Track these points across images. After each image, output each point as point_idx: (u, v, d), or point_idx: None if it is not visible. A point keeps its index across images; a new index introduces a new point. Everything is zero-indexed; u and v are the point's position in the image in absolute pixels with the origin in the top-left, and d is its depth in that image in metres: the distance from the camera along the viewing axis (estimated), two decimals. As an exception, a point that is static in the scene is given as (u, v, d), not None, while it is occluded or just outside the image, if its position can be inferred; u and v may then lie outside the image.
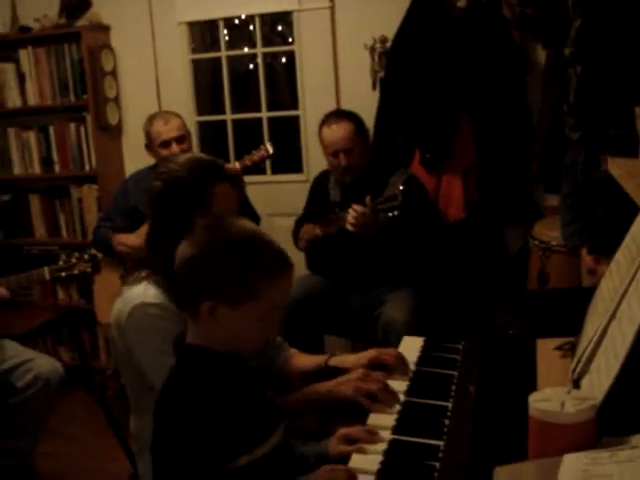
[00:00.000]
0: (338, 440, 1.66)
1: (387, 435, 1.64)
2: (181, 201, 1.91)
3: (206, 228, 1.54)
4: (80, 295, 4.52)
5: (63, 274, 3.19)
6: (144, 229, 2.26)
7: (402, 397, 1.83)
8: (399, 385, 1.89)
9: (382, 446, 1.59)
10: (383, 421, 1.71)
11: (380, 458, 1.54)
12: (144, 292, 1.89)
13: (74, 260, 3.19)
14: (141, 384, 1.88)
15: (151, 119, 3.55)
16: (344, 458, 1.60)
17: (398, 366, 1.98)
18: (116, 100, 4.39)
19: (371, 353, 2.03)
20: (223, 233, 1.52)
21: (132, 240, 3.41)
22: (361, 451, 1.59)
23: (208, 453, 1.41)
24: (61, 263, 3.20)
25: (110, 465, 3.18)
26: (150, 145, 3.55)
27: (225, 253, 1.47)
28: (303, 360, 2.15)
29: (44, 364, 3.07)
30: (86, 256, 3.21)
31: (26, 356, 3.09)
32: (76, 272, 3.18)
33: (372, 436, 1.63)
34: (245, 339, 1.51)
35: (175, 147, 3.44)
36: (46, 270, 3.18)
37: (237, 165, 3.40)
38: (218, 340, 1.50)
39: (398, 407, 1.78)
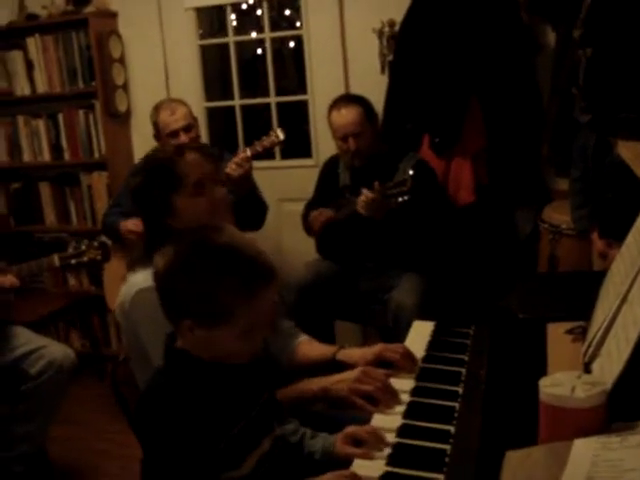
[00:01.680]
0: (345, 439, 1.61)
1: (398, 420, 1.64)
2: (153, 182, 1.92)
3: (180, 241, 1.49)
4: (91, 282, 4.54)
5: (73, 261, 3.20)
6: None
7: (412, 382, 1.81)
8: (405, 383, 1.84)
9: (386, 450, 1.56)
10: (393, 407, 1.71)
11: (392, 442, 1.55)
12: (146, 277, 1.89)
13: (84, 247, 3.19)
14: (148, 368, 1.89)
15: (157, 109, 3.55)
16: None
17: (404, 363, 1.92)
18: (124, 87, 4.38)
19: (376, 350, 1.98)
20: (195, 251, 1.44)
21: (139, 225, 3.42)
22: (366, 456, 1.53)
23: (193, 461, 1.38)
24: (71, 250, 3.21)
25: (121, 450, 3.21)
26: (158, 135, 3.55)
27: (195, 275, 1.41)
28: (312, 349, 2.13)
29: (57, 351, 3.09)
30: (96, 243, 3.21)
31: (38, 343, 3.11)
32: (86, 259, 3.19)
33: (379, 440, 1.57)
34: (229, 354, 1.46)
35: (183, 136, 3.45)
36: (56, 257, 3.19)
37: (248, 151, 3.38)
38: (203, 352, 1.46)
39: (409, 392, 1.78)
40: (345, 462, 1.55)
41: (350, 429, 1.61)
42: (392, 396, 1.76)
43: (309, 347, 2.15)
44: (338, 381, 1.86)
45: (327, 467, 1.53)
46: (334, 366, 2.00)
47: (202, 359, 1.45)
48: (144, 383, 1.98)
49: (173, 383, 1.45)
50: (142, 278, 1.90)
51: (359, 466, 1.51)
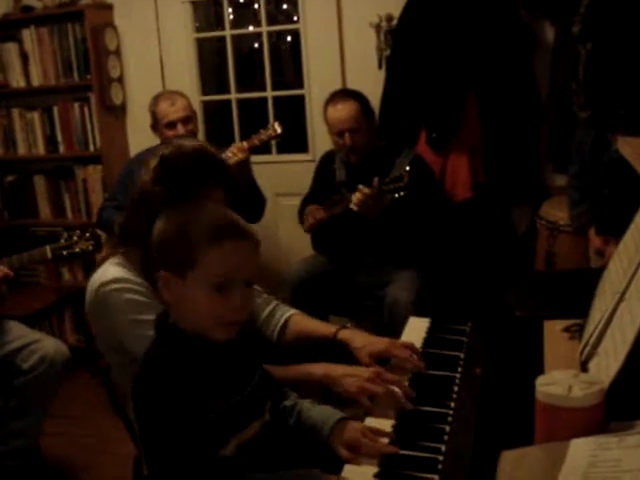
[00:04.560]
0: (343, 445, 1.54)
1: (391, 421, 1.63)
2: (171, 187, 1.81)
3: (172, 207, 1.56)
4: (85, 276, 4.52)
5: (65, 252, 3.18)
6: None
7: (409, 405, 1.72)
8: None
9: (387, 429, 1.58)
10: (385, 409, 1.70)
11: (386, 442, 1.53)
12: (102, 274, 1.89)
13: (75, 238, 3.17)
14: (128, 369, 1.85)
15: (157, 99, 3.53)
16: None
17: (415, 362, 1.86)
18: (120, 80, 4.36)
19: (381, 345, 1.91)
20: (176, 210, 1.53)
21: None
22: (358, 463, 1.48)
23: (189, 438, 1.38)
24: (62, 241, 3.19)
25: (115, 446, 3.19)
26: (156, 125, 3.53)
27: (171, 221, 1.50)
28: (309, 324, 2.08)
29: (50, 345, 3.07)
30: (87, 234, 3.19)
31: (32, 337, 3.09)
32: (77, 250, 3.17)
33: (377, 448, 1.51)
34: (201, 314, 1.45)
35: (181, 128, 3.43)
36: (48, 248, 3.17)
37: (245, 145, 3.37)
38: (183, 318, 1.48)
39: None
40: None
41: (355, 436, 1.54)
42: (397, 401, 1.68)
43: (304, 322, 2.10)
44: (347, 375, 1.79)
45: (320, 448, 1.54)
46: (333, 345, 1.96)
47: (191, 334, 1.47)
48: (124, 385, 1.97)
49: (168, 357, 1.45)
50: (98, 275, 1.90)
51: (350, 471, 1.46)
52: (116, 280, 1.85)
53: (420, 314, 2.30)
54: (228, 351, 1.51)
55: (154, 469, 1.51)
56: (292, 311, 2.14)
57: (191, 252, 1.43)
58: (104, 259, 1.94)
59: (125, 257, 1.90)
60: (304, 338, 2.07)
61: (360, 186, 3.09)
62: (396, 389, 1.71)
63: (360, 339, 1.97)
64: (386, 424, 1.61)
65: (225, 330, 1.47)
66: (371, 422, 1.62)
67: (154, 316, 1.58)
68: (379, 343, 1.93)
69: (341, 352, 1.92)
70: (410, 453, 1.48)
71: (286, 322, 2.11)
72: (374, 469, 1.44)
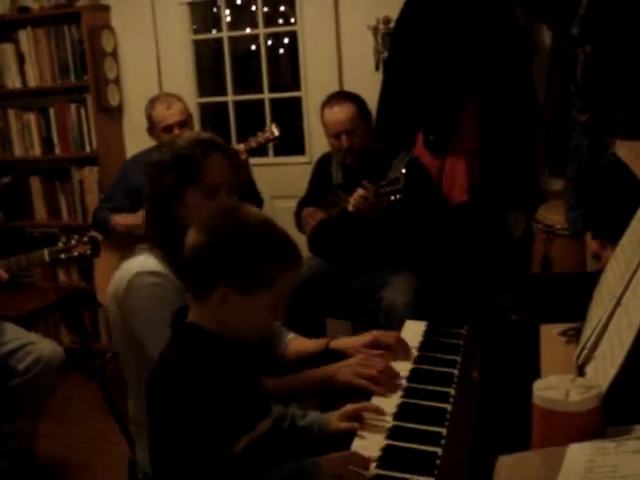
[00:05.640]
0: (342, 417, 1.65)
1: (389, 421, 1.63)
2: (170, 175, 1.90)
3: (220, 215, 1.55)
4: (81, 277, 4.52)
5: (62, 256, 3.18)
6: (143, 211, 2.26)
7: (404, 382, 1.81)
8: (402, 368, 1.88)
9: (384, 432, 1.58)
10: (385, 407, 1.69)
11: (382, 445, 1.53)
12: (143, 262, 1.91)
13: (73, 242, 3.18)
14: (140, 361, 1.87)
15: (153, 102, 3.52)
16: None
17: (398, 348, 1.98)
18: (117, 81, 4.35)
19: (369, 336, 2.03)
20: (239, 220, 1.51)
21: (129, 219, 3.41)
22: (359, 428, 1.59)
23: (205, 435, 1.40)
24: (60, 245, 3.19)
25: (110, 448, 3.18)
26: (152, 129, 3.52)
27: (242, 239, 1.47)
28: (303, 344, 2.13)
29: (45, 347, 3.06)
30: (85, 238, 3.20)
31: (27, 339, 3.08)
32: (75, 254, 3.18)
33: (377, 413, 1.63)
34: (252, 325, 1.52)
35: (177, 132, 3.42)
36: (45, 252, 3.17)
37: (242, 147, 3.37)
38: (223, 324, 1.50)
39: (400, 392, 1.77)
40: (341, 440, 1.57)
41: (348, 406, 1.67)
42: (393, 379, 1.81)
43: (299, 343, 2.14)
44: (341, 367, 1.89)
45: (323, 444, 1.56)
46: (328, 357, 2.00)
47: (216, 334, 1.50)
48: (132, 376, 1.98)
49: (187, 355, 1.48)
50: (138, 263, 1.90)
51: (356, 449, 1.52)
52: (154, 274, 1.87)
53: (417, 317, 2.31)
54: (241, 351, 1.54)
55: (161, 468, 1.51)
56: (289, 336, 2.18)
57: (270, 276, 1.47)
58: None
59: (162, 252, 1.91)
60: (303, 357, 2.11)
61: (358, 189, 3.09)
62: (389, 365, 1.87)
63: (350, 341, 2.07)
64: (390, 402, 1.70)
65: (259, 336, 1.56)
66: (377, 401, 1.73)
67: None
68: (367, 335, 2.05)
69: (337, 360, 1.96)
70: (406, 456, 1.48)
71: (284, 347, 2.15)
72: (379, 446, 1.49)
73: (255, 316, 1.50)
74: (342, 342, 2.07)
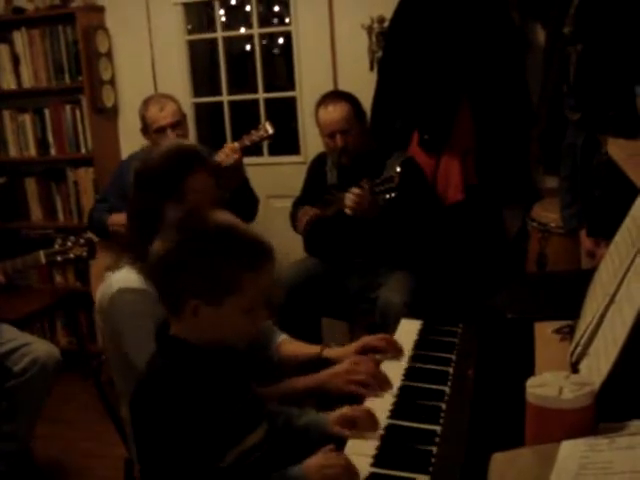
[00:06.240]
0: (339, 420, 1.64)
1: (384, 420, 1.63)
2: (151, 191, 1.91)
3: (179, 224, 1.50)
4: (77, 278, 4.51)
5: (59, 258, 3.19)
6: None
7: (399, 382, 1.81)
8: (396, 367, 1.89)
9: (379, 431, 1.58)
10: (380, 406, 1.70)
11: (377, 443, 1.53)
12: (125, 277, 1.90)
13: (70, 244, 3.18)
14: (128, 370, 1.87)
15: (146, 103, 3.52)
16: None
17: (389, 349, 1.99)
18: (111, 82, 4.35)
19: (359, 343, 2.04)
20: (197, 228, 1.48)
21: (126, 219, 3.41)
22: (357, 436, 1.58)
23: (191, 449, 1.37)
24: (57, 247, 3.20)
25: (106, 449, 3.18)
26: (146, 130, 3.52)
27: (201, 248, 1.43)
28: (296, 348, 2.13)
29: (41, 348, 3.06)
30: (82, 240, 3.20)
31: (23, 340, 3.08)
32: (72, 256, 3.18)
33: (373, 422, 1.61)
34: (230, 334, 1.48)
35: (170, 133, 3.41)
36: (42, 254, 3.17)
37: (236, 145, 3.36)
38: (202, 335, 1.47)
39: (395, 391, 1.77)
40: (337, 441, 1.56)
41: (345, 410, 1.66)
42: (383, 381, 1.81)
43: (292, 346, 2.14)
44: (332, 374, 1.89)
45: (320, 445, 1.54)
46: (320, 364, 2.01)
47: (199, 347, 1.46)
48: (122, 386, 1.97)
49: (170, 369, 1.45)
50: (122, 277, 1.90)
51: (351, 448, 1.53)
52: (136, 291, 1.86)
53: (412, 316, 2.31)
54: (229, 359, 1.51)
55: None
56: (281, 337, 2.18)
57: (235, 281, 1.42)
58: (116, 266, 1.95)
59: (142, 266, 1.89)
60: (292, 362, 2.11)
61: (352, 188, 3.09)
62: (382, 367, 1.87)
63: (342, 350, 2.06)
64: (385, 401, 1.71)
65: (244, 341, 1.52)
66: (371, 401, 1.74)
67: None
68: (357, 342, 2.05)
69: (328, 367, 1.97)
70: (401, 454, 1.48)
71: (275, 348, 2.14)
72: (371, 452, 1.49)
73: (232, 323, 1.46)
74: (334, 352, 2.06)
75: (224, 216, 1.52)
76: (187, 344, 1.47)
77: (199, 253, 1.43)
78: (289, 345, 2.14)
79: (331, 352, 2.06)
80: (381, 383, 1.80)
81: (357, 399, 1.78)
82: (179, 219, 1.53)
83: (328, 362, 2.00)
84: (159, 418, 1.40)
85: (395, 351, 1.98)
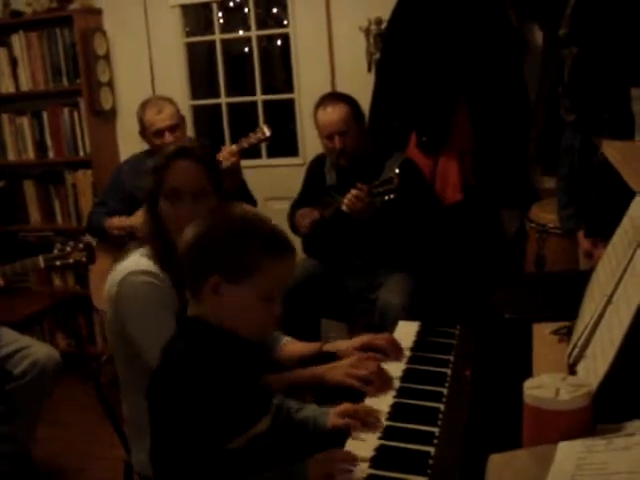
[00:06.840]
0: (339, 414, 1.66)
1: (382, 421, 1.63)
2: (148, 183, 2.02)
3: (209, 212, 1.60)
4: (76, 281, 4.51)
5: (58, 263, 3.19)
6: (140, 212, 2.34)
7: (397, 383, 1.82)
8: (395, 368, 1.89)
9: (377, 432, 1.58)
10: (378, 407, 1.70)
11: (375, 444, 1.53)
12: (136, 262, 1.94)
13: (69, 249, 3.18)
14: (133, 362, 1.89)
15: (144, 106, 3.52)
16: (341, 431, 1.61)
17: (391, 350, 1.99)
18: (109, 84, 4.36)
19: (363, 338, 2.05)
20: (226, 213, 1.57)
21: (125, 221, 3.42)
22: (354, 428, 1.60)
23: (207, 429, 1.41)
24: (56, 252, 3.20)
25: (105, 451, 3.19)
26: (144, 132, 3.53)
27: (228, 229, 1.52)
28: (297, 347, 2.15)
29: (41, 351, 3.06)
30: (81, 245, 3.20)
31: (23, 343, 3.08)
32: (71, 261, 3.18)
33: (373, 418, 1.63)
34: (246, 319, 1.52)
35: (168, 136, 3.42)
36: (41, 259, 3.17)
37: (234, 147, 3.38)
38: (221, 317, 1.51)
39: (393, 392, 1.78)
40: (336, 437, 1.58)
41: (346, 405, 1.68)
42: (386, 381, 1.82)
43: (293, 346, 2.16)
44: (333, 367, 1.91)
45: (318, 440, 1.58)
46: (321, 359, 2.02)
47: (216, 327, 1.51)
48: (125, 376, 1.99)
49: (192, 351, 1.50)
50: (132, 262, 1.94)
51: (352, 444, 1.54)
52: (147, 273, 1.90)
53: (411, 317, 2.31)
54: (244, 346, 1.55)
55: (161, 464, 1.51)
56: (284, 340, 2.19)
57: (255, 261, 1.49)
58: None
59: (151, 249, 1.97)
60: (294, 361, 2.12)
61: (351, 189, 3.09)
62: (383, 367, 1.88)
63: (343, 343, 2.08)
64: (384, 402, 1.71)
65: (259, 334, 1.58)
66: (370, 402, 1.74)
67: (170, 316, 1.70)
68: (360, 338, 2.07)
69: (330, 361, 1.98)
70: (399, 456, 1.49)
71: (278, 350, 2.16)
72: (373, 446, 1.49)
73: (249, 307, 1.51)
74: (335, 345, 2.08)
75: (251, 208, 1.63)
76: (208, 325, 1.51)
77: (224, 233, 1.51)
78: (291, 345, 2.16)
79: (332, 346, 2.07)
80: (383, 383, 1.81)
81: (355, 397, 1.79)
82: (209, 210, 1.63)
83: (329, 357, 2.01)
84: (179, 398, 1.43)
85: (396, 353, 1.98)
